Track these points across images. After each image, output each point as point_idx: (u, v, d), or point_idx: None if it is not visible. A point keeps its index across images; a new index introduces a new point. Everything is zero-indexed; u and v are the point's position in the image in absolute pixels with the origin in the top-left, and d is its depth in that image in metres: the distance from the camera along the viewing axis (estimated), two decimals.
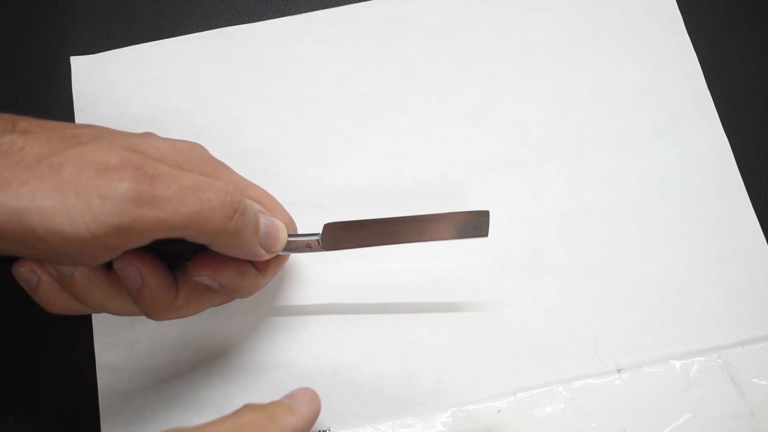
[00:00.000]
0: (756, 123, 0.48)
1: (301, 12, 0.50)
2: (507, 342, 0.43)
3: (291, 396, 0.37)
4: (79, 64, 0.49)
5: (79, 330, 0.43)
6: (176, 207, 0.31)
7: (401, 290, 0.44)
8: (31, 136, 0.32)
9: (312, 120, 0.48)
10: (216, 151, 0.46)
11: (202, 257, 0.37)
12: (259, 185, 0.40)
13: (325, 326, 0.43)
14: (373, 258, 0.44)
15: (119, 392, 0.42)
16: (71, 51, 0.49)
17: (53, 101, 0.48)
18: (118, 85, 0.48)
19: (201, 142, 0.46)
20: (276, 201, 0.40)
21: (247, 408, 0.34)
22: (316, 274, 0.44)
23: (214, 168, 0.36)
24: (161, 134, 0.46)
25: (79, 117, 0.47)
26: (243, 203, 0.34)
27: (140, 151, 0.32)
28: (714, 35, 0.50)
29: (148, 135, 0.36)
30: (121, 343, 0.43)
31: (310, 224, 0.44)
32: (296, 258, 0.44)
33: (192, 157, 0.35)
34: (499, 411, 0.41)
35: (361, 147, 0.47)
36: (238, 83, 0.48)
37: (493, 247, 0.45)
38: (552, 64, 0.49)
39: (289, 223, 0.40)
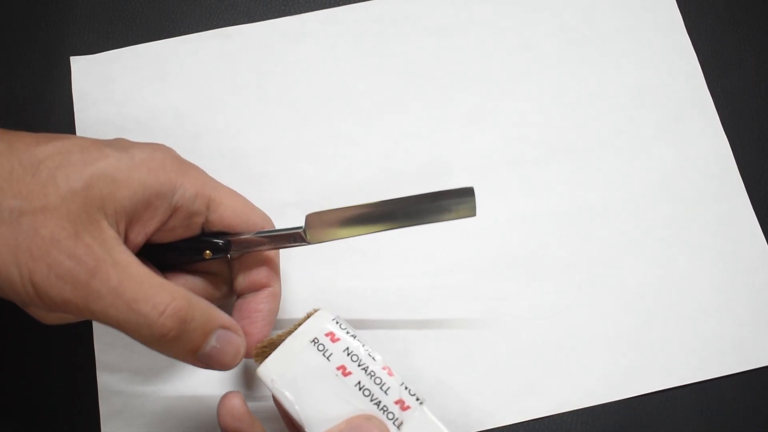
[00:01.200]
0: (756, 123, 0.48)
1: (301, 12, 0.50)
2: (507, 342, 0.43)
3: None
4: (79, 64, 0.49)
5: (79, 330, 0.43)
6: (106, 307, 0.32)
7: (400, 291, 0.44)
8: None
9: (312, 120, 0.48)
10: (216, 151, 0.46)
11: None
12: (247, 191, 0.39)
13: None
14: (373, 258, 0.44)
15: (119, 392, 0.42)
16: (71, 51, 0.49)
17: (53, 101, 0.48)
18: (118, 85, 0.48)
19: (201, 142, 0.47)
20: (248, 201, 0.39)
21: None
22: (314, 277, 0.44)
23: (180, 170, 0.36)
24: (160, 135, 0.46)
25: (79, 117, 0.47)
26: (177, 329, 0.33)
27: (97, 205, 0.32)
28: (714, 35, 0.50)
29: (115, 151, 0.35)
30: (121, 343, 0.43)
31: None
32: (292, 261, 0.44)
33: (151, 168, 0.35)
34: None
35: (360, 147, 0.47)
36: (237, 83, 0.48)
37: (493, 247, 0.45)
38: (552, 64, 0.49)
39: (268, 222, 0.39)
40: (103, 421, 0.42)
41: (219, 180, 0.38)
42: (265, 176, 0.46)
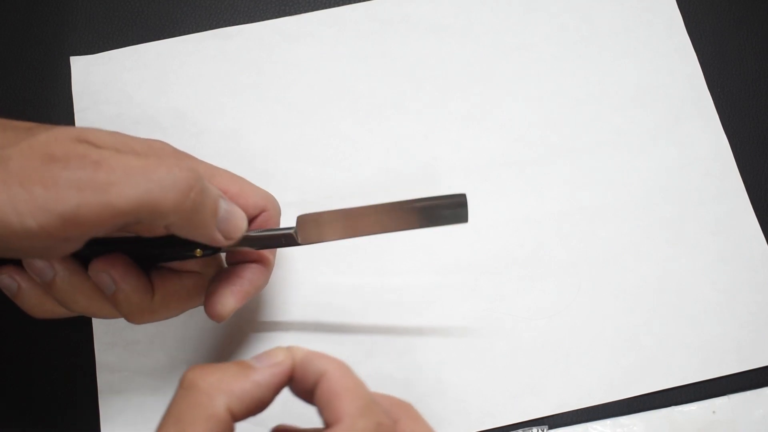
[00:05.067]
0: (756, 123, 0.48)
1: (301, 12, 0.50)
2: (507, 342, 0.43)
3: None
4: (79, 64, 0.49)
5: (79, 330, 0.43)
6: (122, 190, 0.30)
7: (400, 291, 0.44)
8: None
9: (312, 120, 0.48)
10: (216, 151, 0.46)
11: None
12: (256, 182, 0.39)
13: (325, 326, 0.43)
14: (372, 259, 0.44)
15: (119, 392, 0.42)
16: (71, 51, 0.49)
17: (53, 101, 0.48)
18: (118, 85, 0.48)
19: (201, 142, 0.47)
20: (251, 183, 0.38)
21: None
22: (314, 276, 0.44)
23: (176, 158, 0.35)
24: (160, 135, 0.46)
25: (79, 117, 0.47)
26: (200, 181, 0.32)
27: (90, 140, 0.32)
28: (714, 35, 0.50)
29: (113, 131, 0.35)
30: (121, 343, 0.43)
31: None
32: (292, 259, 0.44)
33: (152, 147, 0.34)
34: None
35: (360, 147, 0.47)
36: (237, 83, 0.48)
37: (493, 247, 0.45)
38: (552, 64, 0.49)
39: (270, 198, 0.39)
40: (103, 421, 0.42)
41: None
42: (265, 176, 0.46)
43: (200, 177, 0.33)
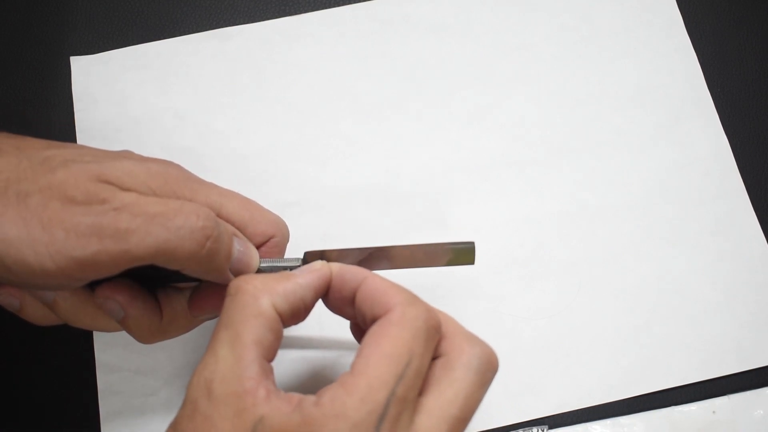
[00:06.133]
0: (756, 123, 0.48)
1: (301, 12, 0.50)
2: (507, 342, 0.43)
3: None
4: (79, 64, 0.49)
5: (79, 330, 0.43)
6: (142, 238, 0.31)
7: None
8: (2, 158, 0.32)
9: (311, 120, 0.48)
10: (215, 151, 0.46)
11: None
12: (248, 192, 0.39)
13: (326, 326, 0.43)
14: None
15: (119, 392, 0.42)
16: (71, 51, 0.49)
17: (53, 101, 0.48)
18: (118, 85, 0.48)
19: (201, 142, 0.47)
20: (262, 208, 0.38)
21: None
22: None
23: (191, 188, 0.35)
24: (160, 134, 0.47)
25: (79, 117, 0.47)
26: (216, 229, 0.33)
27: (110, 181, 0.32)
28: (714, 35, 0.50)
29: (125, 156, 0.35)
30: (121, 343, 0.43)
31: (310, 224, 0.44)
32: None
33: (167, 180, 0.34)
34: None
35: (360, 147, 0.47)
36: (237, 83, 0.48)
37: (493, 247, 0.45)
38: (552, 64, 0.49)
39: (279, 224, 0.39)
40: (103, 421, 0.42)
41: (219, 181, 0.38)
42: (265, 176, 0.46)
43: (217, 224, 0.33)
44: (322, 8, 0.50)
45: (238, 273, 0.35)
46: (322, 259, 0.36)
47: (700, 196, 0.46)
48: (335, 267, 0.34)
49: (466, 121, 0.48)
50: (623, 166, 0.47)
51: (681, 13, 0.50)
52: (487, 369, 0.32)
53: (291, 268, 0.36)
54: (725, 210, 0.46)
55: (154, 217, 0.31)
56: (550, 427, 0.42)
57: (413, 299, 0.32)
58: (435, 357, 0.32)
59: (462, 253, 0.37)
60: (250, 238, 0.37)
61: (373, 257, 0.37)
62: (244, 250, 0.35)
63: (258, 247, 0.37)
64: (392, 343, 0.30)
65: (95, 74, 0.48)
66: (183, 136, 0.47)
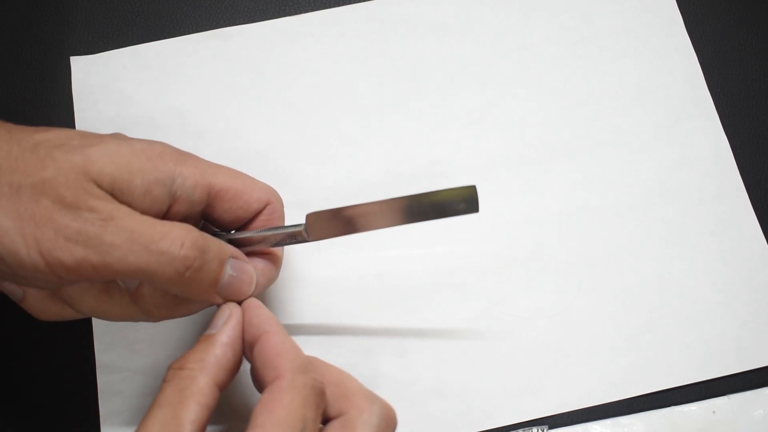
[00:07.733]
0: (756, 123, 0.48)
1: (301, 12, 0.50)
2: (507, 342, 0.43)
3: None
4: (79, 64, 0.49)
5: (79, 330, 0.43)
6: (124, 255, 0.31)
7: (400, 291, 0.44)
8: None
9: (312, 120, 0.48)
10: (216, 151, 0.46)
11: None
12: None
13: (325, 326, 0.43)
14: (372, 258, 0.44)
15: (119, 392, 0.42)
16: (71, 51, 0.49)
17: (53, 101, 0.48)
18: (118, 85, 0.48)
19: (201, 142, 0.47)
20: (252, 178, 0.38)
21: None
22: (313, 276, 0.44)
23: (179, 159, 0.35)
24: (160, 135, 0.47)
25: (79, 117, 0.47)
26: (199, 258, 0.33)
27: (97, 178, 0.32)
28: (714, 35, 0.50)
29: (111, 137, 0.35)
30: (121, 343, 0.43)
31: None
32: (292, 259, 0.44)
33: (150, 156, 0.34)
34: None
35: (360, 147, 0.47)
36: (237, 83, 0.48)
37: (493, 247, 0.45)
38: (552, 64, 0.49)
39: (272, 191, 0.39)
40: (103, 421, 0.42)
41: None
42: (265, 176, 0.45)
43: (202, 252, 0.33)
44: (322, 8, 0.50)
45: (228, 297, 0.35)
46: (325, 218, 0.37)
47: (700, 196, 0.46)
48: (242, 309, 0.35)
49: (466, 121, 0.48)
50: (623, 166, 0.47)
51: (681, 13, 0.50)
52: (387, 425, 0.33)
53: (294, 235, 0.37)
54: (725, 210, 0.46)
55: (139, 237, 0.32)
56: (550, 427, 0.42)
57: (303, 367, 0.32)
58: (333, 417, 0.33)
59: (464, 200, 0.36)
60: (246, 206, 0.37)
61: (375, 212, 0.37)
62: (237, 275, 0.35)
63: (257, 215, 0.38)
64: (285, 409, 0.31)
65: (95, 74, 0.48)
66: (183, 136, 0.47)
